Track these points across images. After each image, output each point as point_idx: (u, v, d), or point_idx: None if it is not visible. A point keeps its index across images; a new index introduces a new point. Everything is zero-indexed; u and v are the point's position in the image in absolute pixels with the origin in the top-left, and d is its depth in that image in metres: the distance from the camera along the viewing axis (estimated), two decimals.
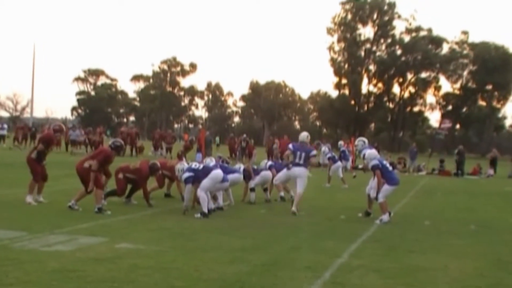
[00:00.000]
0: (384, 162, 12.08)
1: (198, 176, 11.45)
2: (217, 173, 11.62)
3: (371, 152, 12.22)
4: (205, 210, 11.08)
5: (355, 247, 8.69)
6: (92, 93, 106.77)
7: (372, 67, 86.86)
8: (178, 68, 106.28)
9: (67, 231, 8.78)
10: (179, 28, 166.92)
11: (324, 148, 25.38)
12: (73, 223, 9.49)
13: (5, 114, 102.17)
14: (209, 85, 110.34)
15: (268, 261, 7.31)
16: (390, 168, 12.20)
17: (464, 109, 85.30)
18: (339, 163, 20.69)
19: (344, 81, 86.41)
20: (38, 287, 5.71)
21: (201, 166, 11.87)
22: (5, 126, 40.50)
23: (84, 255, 7.13)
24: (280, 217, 11.52)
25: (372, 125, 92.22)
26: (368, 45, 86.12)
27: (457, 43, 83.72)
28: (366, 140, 13.26)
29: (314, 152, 12.90)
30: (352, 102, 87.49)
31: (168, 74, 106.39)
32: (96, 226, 9.34)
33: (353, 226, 10.86)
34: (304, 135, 12.75)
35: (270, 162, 15.01)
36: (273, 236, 9.27)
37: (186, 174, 11.53)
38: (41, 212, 10.63)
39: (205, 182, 11.36)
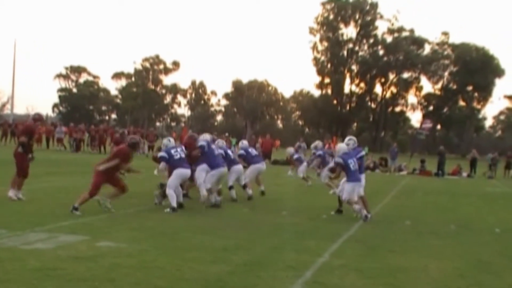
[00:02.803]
0: (349, 160, 11.92)
1: (169, 162, 11.94)
2: (184, 172, 11.91)
3: (341, 147, 12.32)
4: (174, 205, 11.35)
5: (337, 246, 8.73)
6: (74, 90, 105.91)
7: (354, 67, 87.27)
8: (161, 66, 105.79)
9: (48, 229, 8.72)
10: (162, 26, 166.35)
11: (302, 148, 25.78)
12: (54, 221, 9.43)
13: None
14: (193, 83, 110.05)
15: (250, 261, 7.31)
16: (353, 167, 11.96)
17: (445, 110, 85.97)
18: (305, 164, 20.79)
19: (326, 80, 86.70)
20: (18, 286, 5.65)
21: (178, 156, 12.03)
22: None
23: (64, 254, 7.08)
24: (263, 217, 11.53)
25: (354, 124, 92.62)
26: (350, 45, 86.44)
27: (438, 44, 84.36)
28: (355, 139, 12.96)
29: (362, 152, 13.12)
30: (335, 101, 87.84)
31: (151, 72, 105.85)
32: (77, 224, 9.28)
33: (335, 226, 10.89)
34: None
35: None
36: (255, 236, 9.28)
37: (162, 153, 12.06)
38: (22, 209, 10.53)
39: (172, 180, 11.70)
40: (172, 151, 12.02)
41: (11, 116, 64.27)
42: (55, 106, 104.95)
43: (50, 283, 5.81)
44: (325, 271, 7.05)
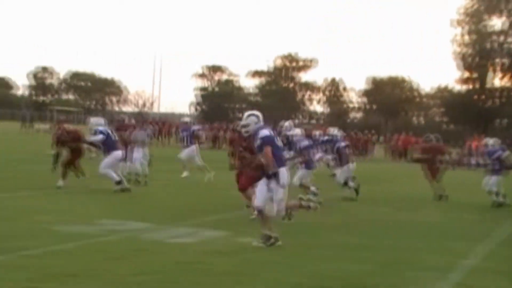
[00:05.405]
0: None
1: (106, 143, 12.43)
2: (118, 153, 12.48)
3: (297, 131, 12.04)
4: (117, 179, 12.19)
5: (484, 248, 8.26)
6: (216, 88, 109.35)
7: (502, 60, 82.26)
8: (299, 63, 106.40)
9: (192, 224, 9.03)
10: (298, 24, 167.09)
11: None
12: (197, 216, 9.75)
13: (129, 110, 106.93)
14: (332, 80, 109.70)
15: (390, 261, 7.09)
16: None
17: None
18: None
19: (471, 75, 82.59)
20: (163, 277, 5.86)
21: (114, 138, 12.70)
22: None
23: (208, 248, 7.27)
24: (404, 216, 11.20)
25: (504, 120, 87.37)
26: (499, 37, 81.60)
27: None
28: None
29: None
30: (482, 96, 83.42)
31: (286, 70, 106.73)
32: (219, 221, 9.53)
33: (482, 226, 10.37)
34: None
35: None
36: (394, 235, 9.01)
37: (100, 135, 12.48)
38: (168, 205, 11.02)
39: (107, 162, 12.34)
40: (110, 132, 12.61)
41: (155, 115, 67.56)
42: (197, 104, 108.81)
43: (193, 276, 5.95)
44: (473, 274, 6.68)
